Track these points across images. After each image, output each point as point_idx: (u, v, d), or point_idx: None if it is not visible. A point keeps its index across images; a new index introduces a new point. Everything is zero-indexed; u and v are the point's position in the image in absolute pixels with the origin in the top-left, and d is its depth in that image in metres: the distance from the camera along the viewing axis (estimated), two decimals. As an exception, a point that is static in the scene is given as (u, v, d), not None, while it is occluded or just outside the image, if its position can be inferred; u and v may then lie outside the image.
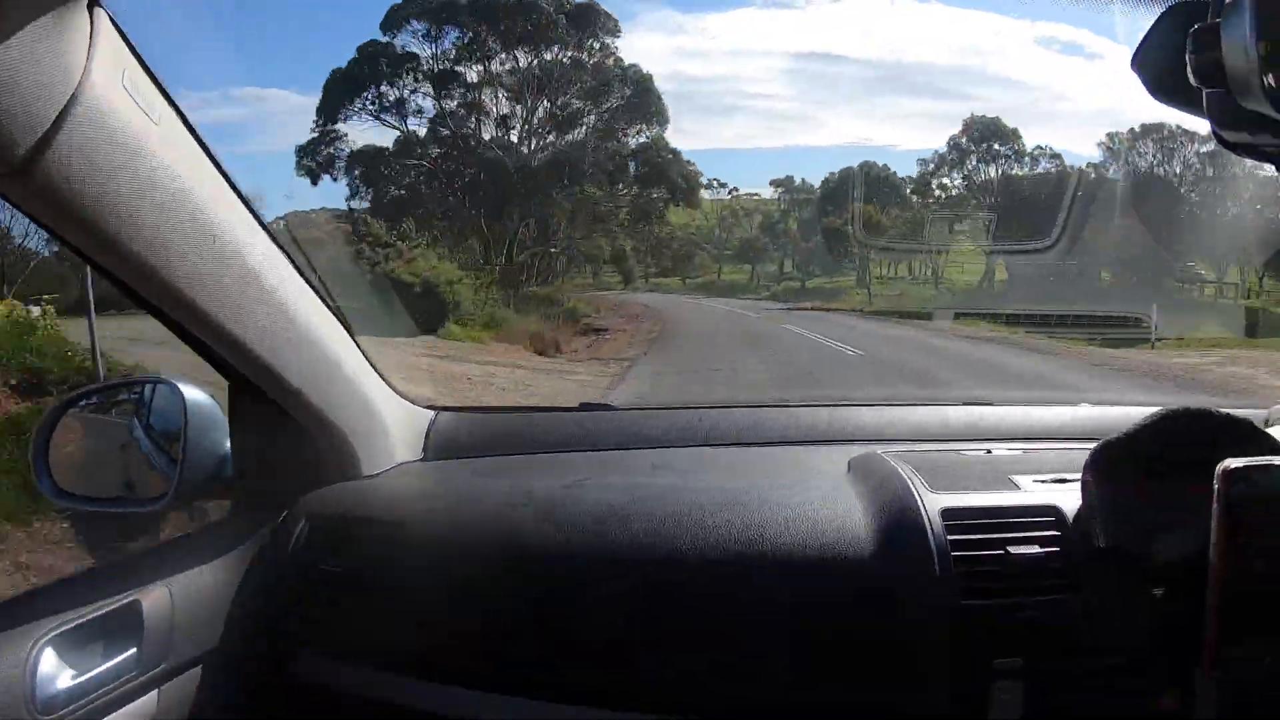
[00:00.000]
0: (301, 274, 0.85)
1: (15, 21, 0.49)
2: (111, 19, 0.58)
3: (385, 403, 1.03)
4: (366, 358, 0.99)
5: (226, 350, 0.80)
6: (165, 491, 0.94)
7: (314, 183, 12.92)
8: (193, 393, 0.94)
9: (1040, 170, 15.79)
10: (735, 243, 31.80)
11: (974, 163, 17.03)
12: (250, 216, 0.75)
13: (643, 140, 14.78)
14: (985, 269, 17.57)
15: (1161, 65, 0.47)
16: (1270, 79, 0.38)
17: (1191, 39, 0.43)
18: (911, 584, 0.74)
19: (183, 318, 0.74)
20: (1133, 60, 0.49)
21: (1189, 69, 0.43)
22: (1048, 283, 13.56)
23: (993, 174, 16.67)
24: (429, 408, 1.14)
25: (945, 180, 17.74)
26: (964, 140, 16.86)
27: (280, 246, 0.80)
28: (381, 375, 1.03)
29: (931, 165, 17.93)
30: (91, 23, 0.55)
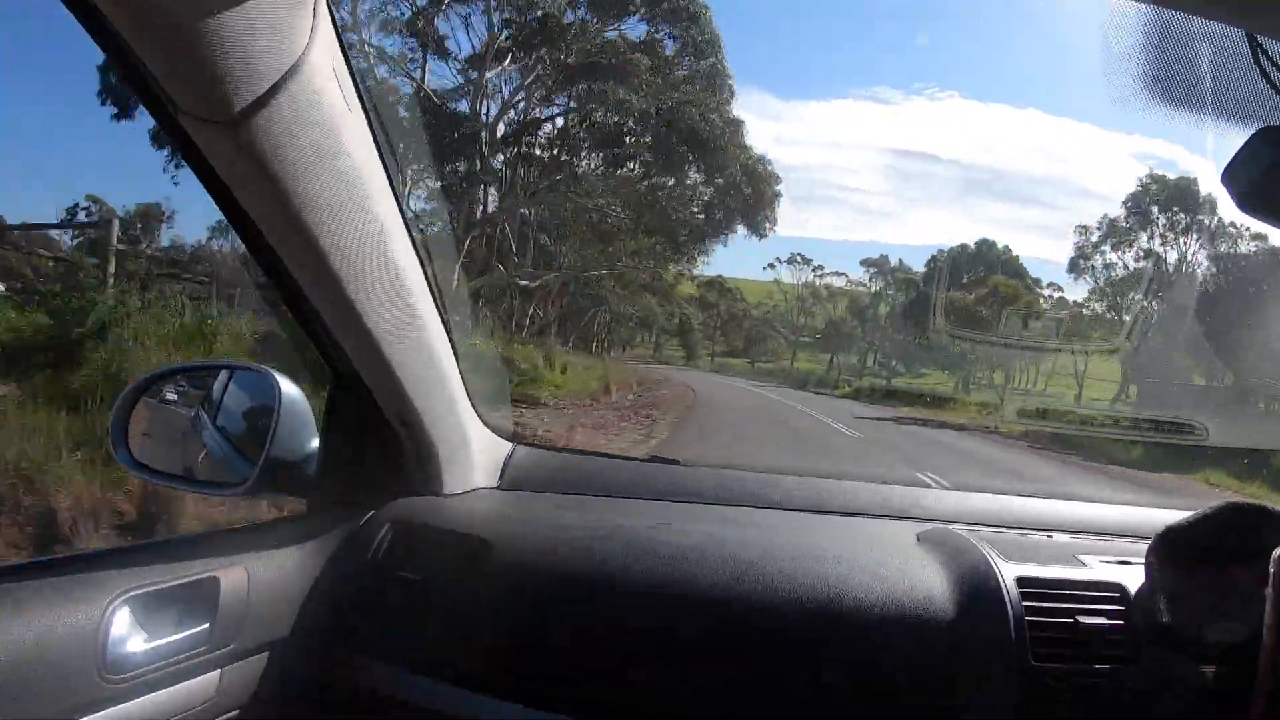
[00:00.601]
0: (433, 290, 0.95)
1: None
2: (330, 11, 0.69)
3: (475, 428, 1.14)
4: (465, 384, 1.10)
5: (354, 342, 0.89)
6: (241, 479, 1.02)
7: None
8: (287, 385, 1.03)
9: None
10: (814, 326, 31.78)
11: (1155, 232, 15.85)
12: (402, 219, 0.86)
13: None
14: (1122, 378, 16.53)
15: (1250, 180, 0.54)
16: None
17: (1246, 171, 0.53)
18: (987, 644, 0.84)
19: (323, 302, 0.84)
20: (1223, 174, 0.57)
21: (1247, 193, 0.53)
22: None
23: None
24: (509, 439, 1.24)
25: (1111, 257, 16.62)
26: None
27: (419, 254, 0.91)
28: (472, 401, 1.13)
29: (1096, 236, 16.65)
30: (315, 9, 0.66)
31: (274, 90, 0.64)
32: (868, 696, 0.85)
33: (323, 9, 0.67)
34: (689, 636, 0.88)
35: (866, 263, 29.62)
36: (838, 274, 31.39)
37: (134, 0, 0.57)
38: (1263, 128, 0.55)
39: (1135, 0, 0.59)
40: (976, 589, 0.88)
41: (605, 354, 21.27)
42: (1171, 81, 0.66)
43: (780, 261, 32.13)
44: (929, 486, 1.36)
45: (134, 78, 0.63)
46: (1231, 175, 0.56)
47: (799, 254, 31.65)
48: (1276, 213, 0.53)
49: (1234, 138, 0.57)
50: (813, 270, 32.08)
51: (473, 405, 1.13)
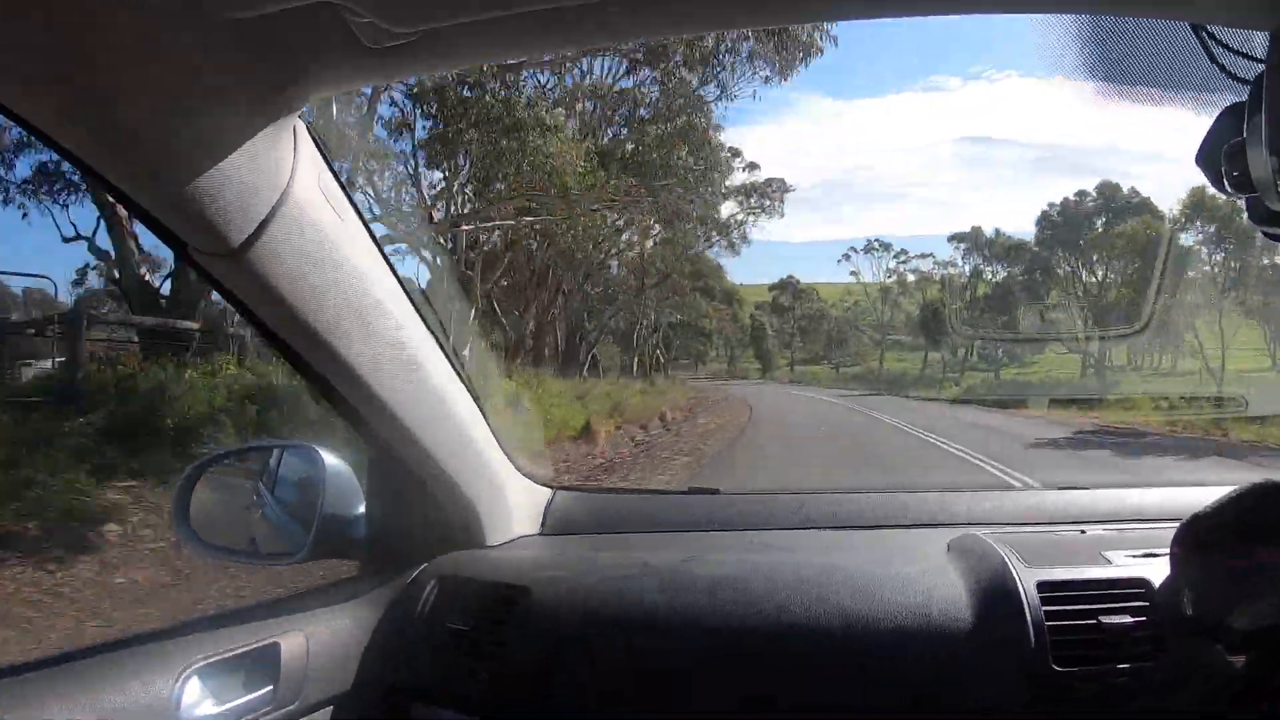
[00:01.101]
0: (447, 358, 1.09)
1: (242, 131, 0.72)
2: (309, 129, 0.82)
3: (510, 479, 1.27)
4: (496, 437, 1.23)
5: (379, 421, 1.03)
6: (298, 547, 1.17)
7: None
8: (331, 458, 1.19)
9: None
10: (902, 321, 30.24)
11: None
12: (410, 305, 1.00)
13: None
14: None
15: (1218, 158, 0.60)
16: None
17: (1225, 155, 0.59)
18: (1007, 651, 0.91)
19: (345, 390, 0.98)
20: (1196, 158, 0.64)
21: (1225, 180, 0.59)
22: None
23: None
24: (547, 485, 1.37)
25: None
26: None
27: (432, 332, 1.05)
28: (507, 454, 1.27)
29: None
30: (295, 132, 0.78)
31: (269, 219, 0.77)
32: (893, 708, 0.93)
33: (303, 134, 0.80)
34: (721, 667, 0.97)
35: (956, 239, 28.29)
36: (922, 256, 30.25)
37: (129, 161, 0.70)
38: (1225, 108, 0.61)
39: (1078, 10, 0.66)
40: (997, 596, 0.95)
41: (655, 375, 21.47)
42: (1130, 77, 0.73)
43: (856, 252, 31.35)
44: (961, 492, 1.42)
45: (146, 219, 0.77)
46: (1204, 157, 0.62)
47: (876, 240, 30.81)
48: (1247, 186, 0.57)
49: (1203, 123, 0.63)
50: (894, 257, 30.89)
51: (508, 457, 1.27)
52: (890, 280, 31.08)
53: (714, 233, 17.98)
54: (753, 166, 18.00)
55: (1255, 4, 0.59)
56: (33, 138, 0.73)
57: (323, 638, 1.04)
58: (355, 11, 0.65)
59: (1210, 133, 0.62)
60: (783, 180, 18.40)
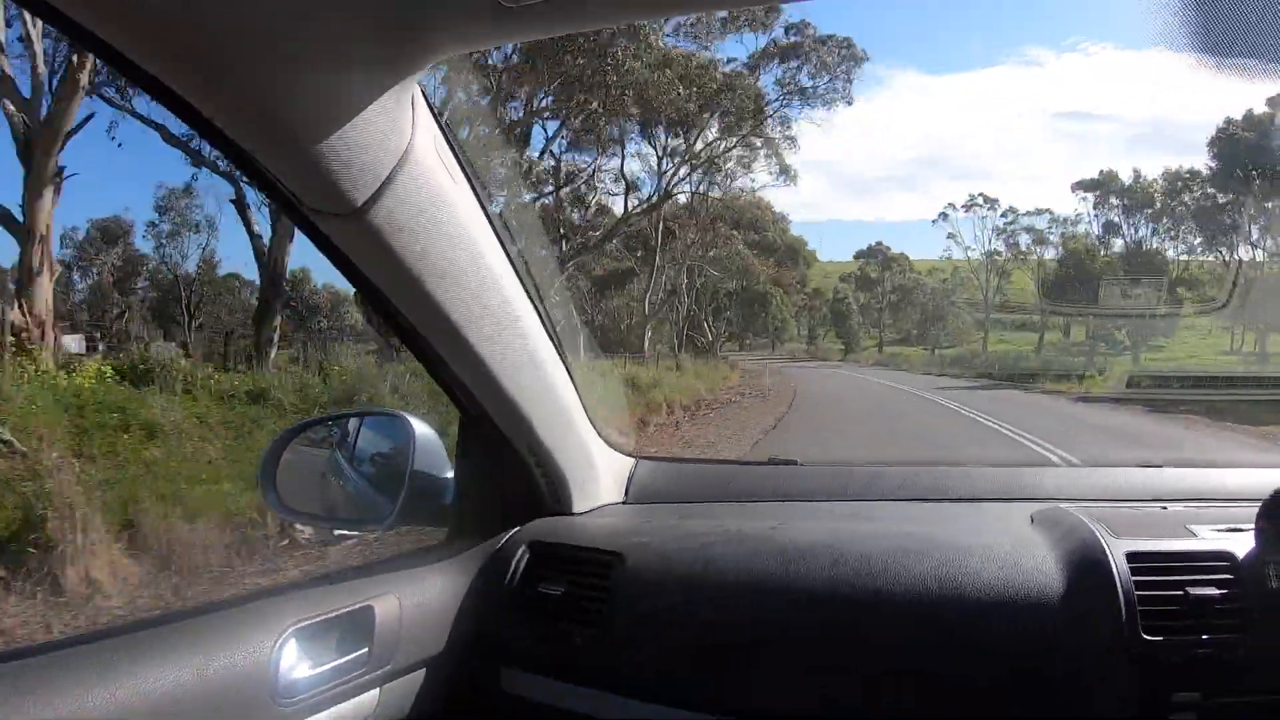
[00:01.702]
0: (545, 327, 1.20)
1: (368, 90, 0.80)
2: (425, 95, 0.91)
3: (598, 449, 1.40)
4: (585, 408, 1.35)
5: (480, 385, 1.15)
6: (384, 513, 1.30)
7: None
8: (420, 426, 1.31)
9: None
10: (1012, 292, 28.04)
11: None
12: (514, 270, 1.10)
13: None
14: None
15: None
16: None
17: None
18: (1099, 620, 0.99)
19: (448, 352, 1.09)
20: None
21: None
22: None
23: None
24: (630, 455, 1.50)
25: None
26: None
27: (534, 300, 1.15)
28: (594, 424, 1.39)
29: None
30: (414, 98, 0.87)
31: (389, 180, 0.86)
32: (983, 677, 1.02)
33: (420, 99, 0.89)
34: (813, 633, 1.08)
35: (1082, 187, 26.31)
36: (1038, 212, 27.95)
37: (256, 122, 0.78)
38: None
39: None
40: (1087, 566, 1.04)
41: (699, 353, 21.78)
42: (1231, 46, 0.77)
43: (955, 209, 29.28)
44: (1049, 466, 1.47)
45: (262, 180, 0.87)
46: None
47: (980, 195, 29.03)
48: None
49: None
50: (1001, 215, 28.53)
51: (594, 427, 1.38)
52: (994, 245, 29.32)
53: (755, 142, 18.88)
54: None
55: None
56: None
57: (414, 601, 1.16)
58: None
59: None
60: (848, 40, 18.73)
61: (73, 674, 0.85)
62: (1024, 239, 28.14)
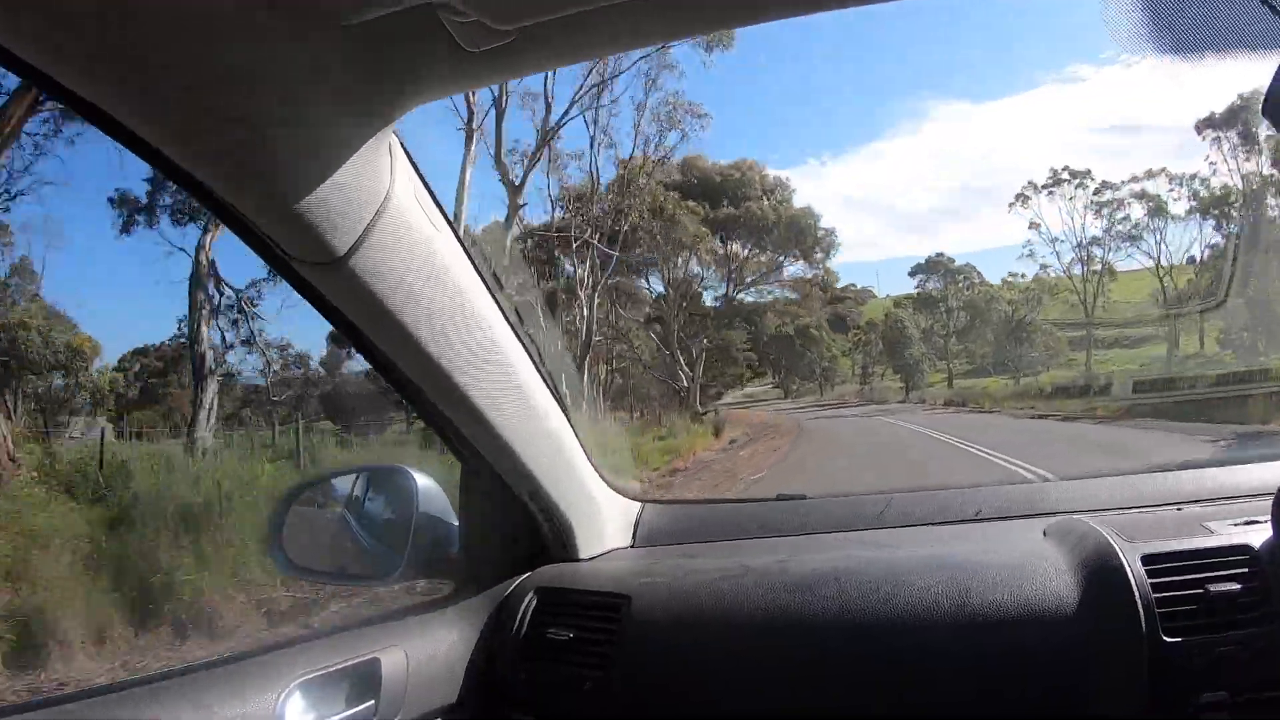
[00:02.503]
0: (541, 375, 1.34)
1: (347, 140, 0.91)
2: (402, 143, 1.06)
3: (602, 494, 1.57)
4: (587, 454, 1.52)
5: (479, 435, 1.30)
6: (391, 567, 1.47)
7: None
8: (422, 478, 1.48)
9: None
10: (1116, 289, 25.71)
11: None
12: (503, 315, 1.25)
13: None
14: None
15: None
16: None
17: (1268, 105, 0.75)
18: (1117, 625, 1.10)
19: (443, 401, 1.24)
20: (1263, 108, 0.80)
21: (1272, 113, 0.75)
22: None
23: None
24: (636, 499, 1.67)
25: None
26: None
27: (526, 349, 1.30)
28: (598, 469, 1.56)
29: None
30: (391, 146, 1.00)
31: (369, 229, 0.98)
32: (1006, 688, 1.13)
33: (398, 148, 1.03)
34: (830, 662, 1.20)
35: (1210, 124, 21.67)
36: (1149, 174, 23.63)
37: (239, 173, 0.89)
38: None
39: None
40: (1102, 572, 1.15)
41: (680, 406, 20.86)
42: (1186, 30, 0.89)
43: (1036, 190, 25.99)
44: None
45: (245, 232, 1.00)
46: (1268, 107, 0.78)
47: (1066, 168, 25.72)
48: None
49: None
50: (1094, 193, 24.93)
51: (597, 471, 1.55)
52: (1089, 230, 25.87)
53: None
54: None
55: None
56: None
57: (422, 653, 1.30)
58: (458, 11, 0.81)
59: (1274, 81, 0.78)
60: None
61: None
62: (1135, 210, 24.64)
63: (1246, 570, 1.11)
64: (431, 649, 1.33)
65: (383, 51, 0.89)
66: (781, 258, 25.95)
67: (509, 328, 1.28)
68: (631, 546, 1.61)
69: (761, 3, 0.94)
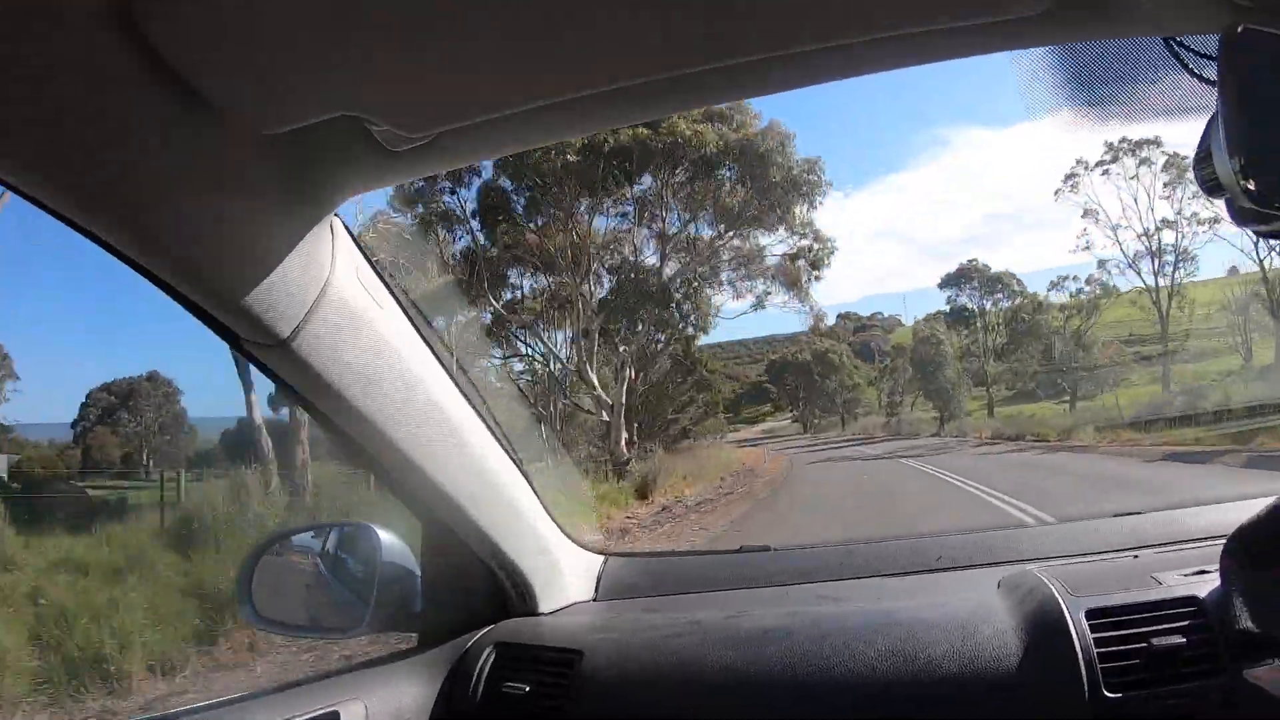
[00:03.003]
0: (491, 432, 1.49)
1: (284, 232, 1.04)
2: (345, 226, 1.20)
3: (561, 548, 1.72)
4: (545, 508, 1.67)
5: (432, 497, 1.44)
6: (357, 622, 1.62)
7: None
8: (385, 535, 1.63)
9: None
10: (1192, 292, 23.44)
11: None
12: (451, 383, 1.39)
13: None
14: None
15: (1210, 166, 0.83)
16: (1250, 185, 0.76)
17: (1195, 161, 0.83)
18: (1057, 682, 1.19)
19: (396, 468, 1.38)
20: (1193, 169, 0.88)
21: (1199, 184, 0.83)
22: None
23: None
24: (599, 553, 1.82)
25: None
26: None
27: (474, 408, 1.44)
28: (557, 523, 1.71)
29: None
30: (333, 229, 1.13)
31: (312, 310, 1.11)
32: None
33: (340, 230, 1.16)
34: (774, 716, 1.32)
35: None
36: None
37: (181, 262, 1.00)
38: (1210, 117, 0.83)
39: (1041, 43, 0.92)
40: (1045, 628, 1.25)
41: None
42: (1112, 98, 0.98)
43: (1089, 168, 24.49)
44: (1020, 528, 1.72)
45: (202, 314, 1.08)
46: (1199, 168, 0.85)
47: (1124, 139, 24.33)
48: (1218, 189, 0.80)
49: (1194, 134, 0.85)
50: (1161, 167, 23.47)
51: (558, 526, 1.71)
52: (1158, 211, 24.46)
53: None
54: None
55: (1205, 8, 0.79)
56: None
57: (382, 706, 1.44)
58: (373, 121, 0.92)
59: (1202, 141, 0.84)
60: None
61: None
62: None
63: (1190, 623, 1.19)
64: (392, 702, 1.47)
65: (308, 156, 1.01)
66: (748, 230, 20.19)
67: (456, 389, 1.42)
68: (594, 600, 1.76)
69: (677, 95, 1.02)
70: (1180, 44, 0.87)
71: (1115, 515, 1.73)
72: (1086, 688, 1.17)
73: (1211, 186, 0.81)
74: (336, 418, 1.30)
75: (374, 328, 1.24)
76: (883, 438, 27.23)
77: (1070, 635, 1.22)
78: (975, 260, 28.99)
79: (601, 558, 1.83)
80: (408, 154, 1.02)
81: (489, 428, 1.51)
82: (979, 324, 28.31)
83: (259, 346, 1.14)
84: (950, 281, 28.71)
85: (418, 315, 1.36)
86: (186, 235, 0.99)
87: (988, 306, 28.38)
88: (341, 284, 1.17)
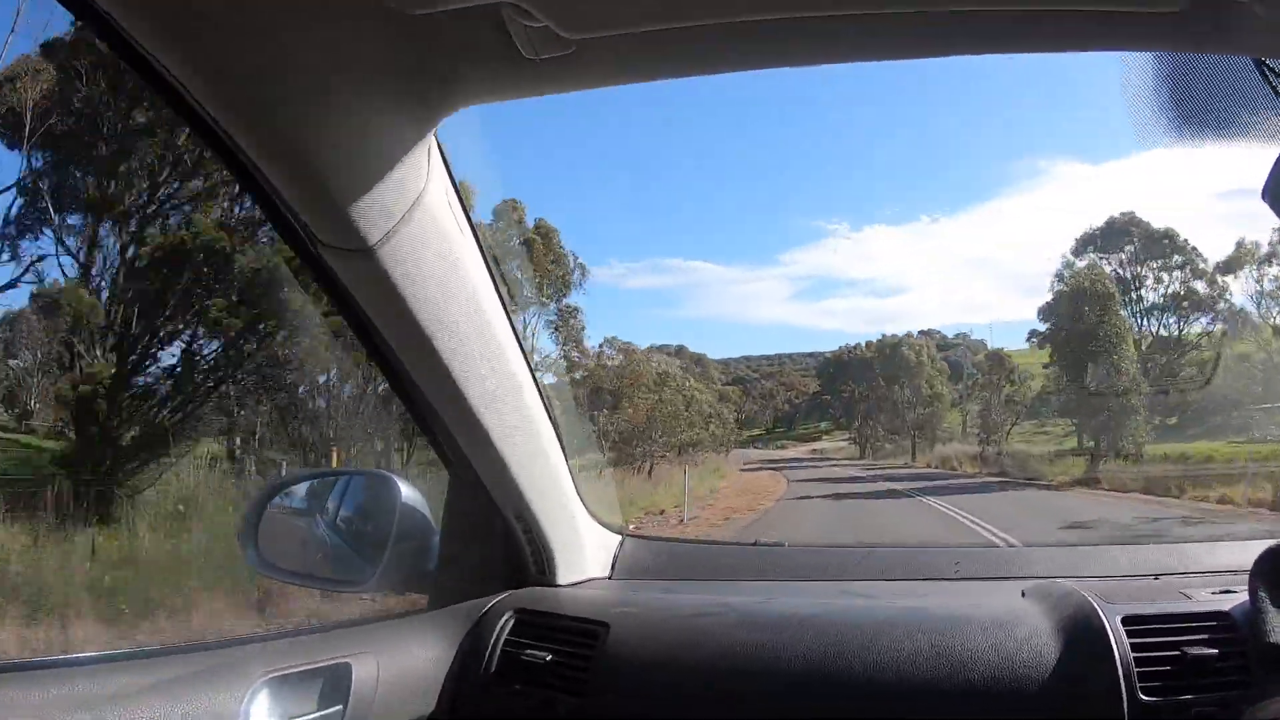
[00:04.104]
0: (544, 399, 1.65)
1: (391, 131, 1.17)
2: (441, 150, 1.33)
3: (584, 522, 1.96)
4: (574, 481, 1.85)
5: (474, 443, 1.60)
6: (364, 575, 1.80)
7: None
8: (407, 488, 1.79)
9: None
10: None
11: None
12: (512, 329, 1.54)
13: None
14: None
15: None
16: None
17: (1268, 189, 0.96)
18: (1097, 684, 1.36)
19: (444, 408, 1.53)
20: (1263, 193, 1.00)
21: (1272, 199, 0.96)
22: None
23: None
24: (617, 533, 2.02)
25: None
26: None
27: (529, 362, 1.59)
28: (582, 500, 1.90)
29: None
30: (435, 143, 1.29)
31: (401, 222, 1.22)
32: None
33: (435, 149, 1.29)
34: (805, 705, 1.48)
35: None
36: None
37: (282, 153, 1.10)
38: None
39: (1148, 51, 1.02)
40: (1083, 632, 1.42)
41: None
42: (1195, 115, 1.08)
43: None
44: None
45: (275, 215, 1.21)
46: (1268, 192, 0.97)
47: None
48: None
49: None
50: None
51: (582, 500, 1.90)
52: None
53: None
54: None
55: None
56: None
57: (395, 662, 1.57)
58: (526, 14, 0.97)
59: (1275, 167, 0.97)
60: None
61: (37, 693, 1.18)
62: None
63: (1223, 636, 1.38)
64: (404, 659, 1.63)
65: (440, 48, 1.09)
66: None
67: (519, 348, 1.58)
68: (609, 577, 2.02)
69: (829, 45, 1.14)
70: (1271, 69, 0.99)
71: (1128, 544, 1.98)
72: (1125, 690, 1.34)
73: None
74: (396, 341, 1.44)
75: (453, 254, 1.38)
76: (969, 476, 21.85)
77: (1109, 639, 1.39)
78: (1133, 212, 24.50)
79: (619, 537, 2.03)
80: (545, 64, 1.10)
81: (538, 385, 1.66)
82: (1136, 293, 21.09)
83: (338, 252, 1.26)
84: (1089, 242, 24.34)
85: (492, 259, 1.50)
86: (294, 121, 1.09)
87: (1148, 280, 22.41)
88: (433, 201, 1.30)
